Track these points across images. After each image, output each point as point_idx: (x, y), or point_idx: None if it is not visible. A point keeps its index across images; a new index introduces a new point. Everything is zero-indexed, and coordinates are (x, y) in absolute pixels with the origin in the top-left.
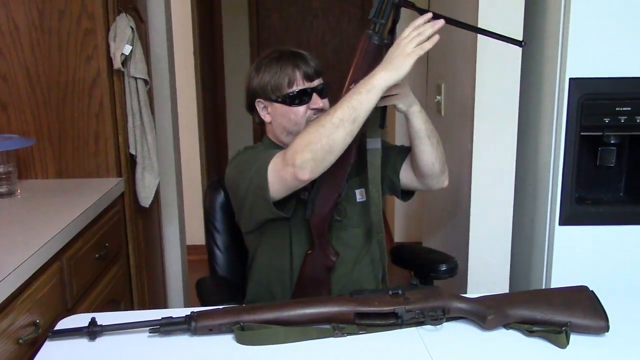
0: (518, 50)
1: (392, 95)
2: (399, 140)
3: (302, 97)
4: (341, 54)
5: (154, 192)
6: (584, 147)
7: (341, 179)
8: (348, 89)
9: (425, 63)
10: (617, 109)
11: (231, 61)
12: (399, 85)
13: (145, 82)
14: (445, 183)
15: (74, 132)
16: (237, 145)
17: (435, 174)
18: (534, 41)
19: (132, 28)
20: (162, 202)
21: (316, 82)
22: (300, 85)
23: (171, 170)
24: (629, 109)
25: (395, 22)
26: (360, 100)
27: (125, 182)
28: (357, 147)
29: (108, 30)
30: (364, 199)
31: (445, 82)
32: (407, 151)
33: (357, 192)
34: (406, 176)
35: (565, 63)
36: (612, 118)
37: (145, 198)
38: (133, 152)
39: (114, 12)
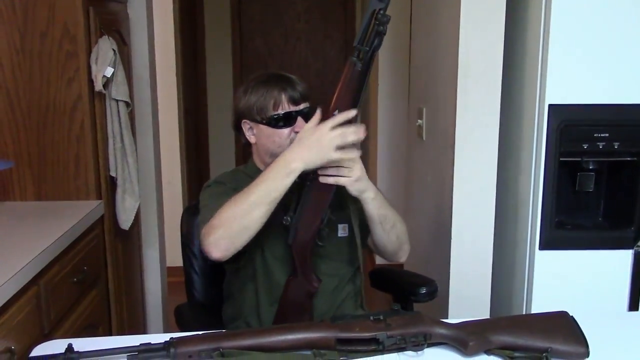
0: (498, 76)
1: (344, 176)
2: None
3: (286, 120)
4: (324, 77)
5: (134, 214)
6: (563, 172)
7: (324, 204)
8: (332, 115)
9: (406, 85)
10: (595, 135)
11: (214, 84)
12: (353, 169)
13: (127, 104)
14: (402, 260)
15: (53, 155)
16: (219, 167)
17: (387, 254)
18: (514, 68)
19: (114, 50)
20: (143, 225)
21: (302, 106)
22: (285, 108)
23: (152, 193)
24: (607, 135)
25: (376, 49)
26: (277, 185)
27: (105, 204)
28: None
29: (90, 52)
30: (346, 234)
31: (426, 106)
32: None
33: (340, 226)
34: (370, 240)
35: (544, 90)
36: (591, 144)
37: (126, 221)
38: (113, 175)
39: (96, 35)
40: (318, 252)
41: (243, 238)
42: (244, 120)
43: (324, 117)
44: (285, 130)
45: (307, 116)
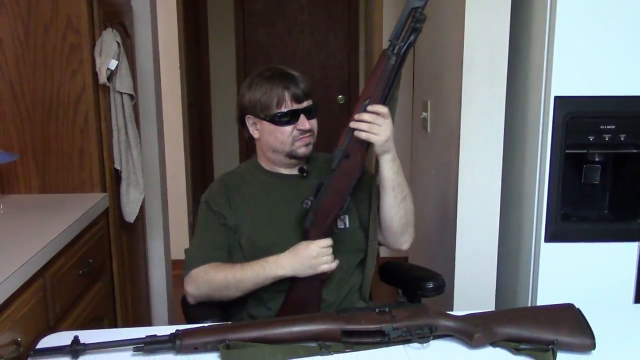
0: (504, 68)
1: (372, 133)
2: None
3: (289, 118)
4: (327, 70)
5: (138, 207)
6: (568, 164)
7: (346, 190)
8: (362, 104)
9: (411, 78)
10: (601, 127)
11: (217, 76)
12: (383, 129)
13: (131, 97)
14: (405, 246)
15: (58, 147)
16: (222, 160)
17: (393, 231)
18: (520, 60)
19: (118, 43)
20: (147, 218)
21: (305, 104)
22: (289, 106)
23: (156, 186)
24: (613, 127)
25: (410, 45)
26: (263, 281)
27: (110, 197)
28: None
29: (94, 45)
30: (345, 226)
31: (431, 99)
32: None
33: (339, 218)
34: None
35: (550, 81)
36: (597, 136)
37: (130, 213)
38: (118, 167)
39: (100, 27)
40: None
41: (212, 299)
42: (247, 116)
43: (355, 105)
44: (288, 128)
45: (309, 113)
